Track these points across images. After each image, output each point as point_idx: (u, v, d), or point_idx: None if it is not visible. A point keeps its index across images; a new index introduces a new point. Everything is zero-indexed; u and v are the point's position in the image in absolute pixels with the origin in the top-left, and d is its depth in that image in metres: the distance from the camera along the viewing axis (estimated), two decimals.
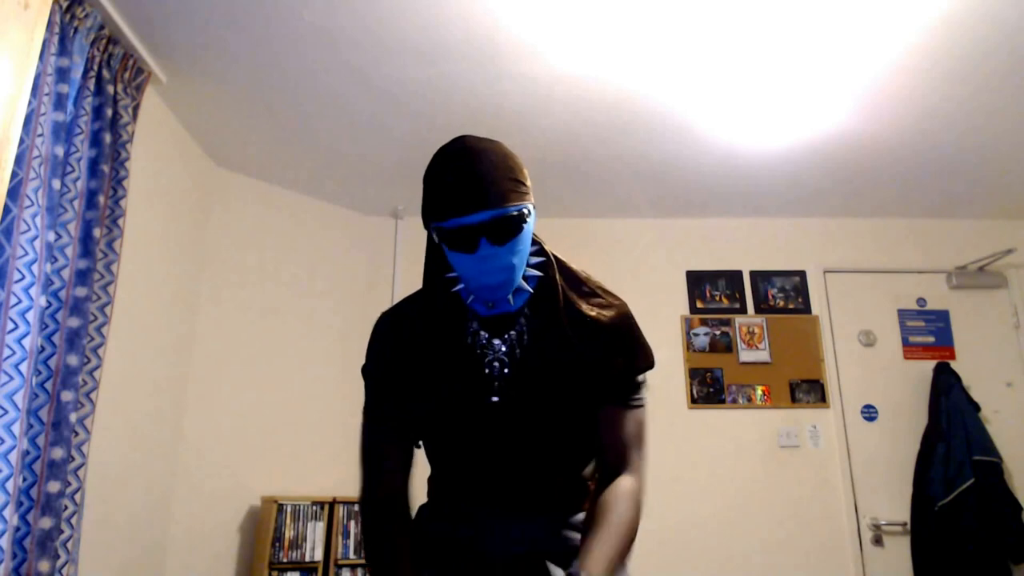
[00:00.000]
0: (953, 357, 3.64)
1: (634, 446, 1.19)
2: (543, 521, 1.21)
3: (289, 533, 2.98)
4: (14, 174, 1.81)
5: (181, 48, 2.53)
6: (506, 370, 1.19)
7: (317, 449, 3.39)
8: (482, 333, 1.21)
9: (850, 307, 3.77)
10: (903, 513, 3.40)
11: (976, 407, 3.42)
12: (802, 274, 3.84)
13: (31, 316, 1.85)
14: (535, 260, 1.22)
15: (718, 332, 3.73)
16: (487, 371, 1.19)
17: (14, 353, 1.81)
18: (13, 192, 1.82)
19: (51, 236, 2.02)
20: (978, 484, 3.22)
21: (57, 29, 2.01)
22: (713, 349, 3.70)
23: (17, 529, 1.91)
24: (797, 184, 3.52)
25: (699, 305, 3.79)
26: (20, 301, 1.83)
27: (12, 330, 1.81)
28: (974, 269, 3.77)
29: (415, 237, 3.83)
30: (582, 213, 3.85)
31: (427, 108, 2.87)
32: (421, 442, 1.29)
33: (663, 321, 3.72)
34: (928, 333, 3.71)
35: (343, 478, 3.20)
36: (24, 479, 1.95)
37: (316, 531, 3.03)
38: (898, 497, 3.42)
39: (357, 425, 1.27)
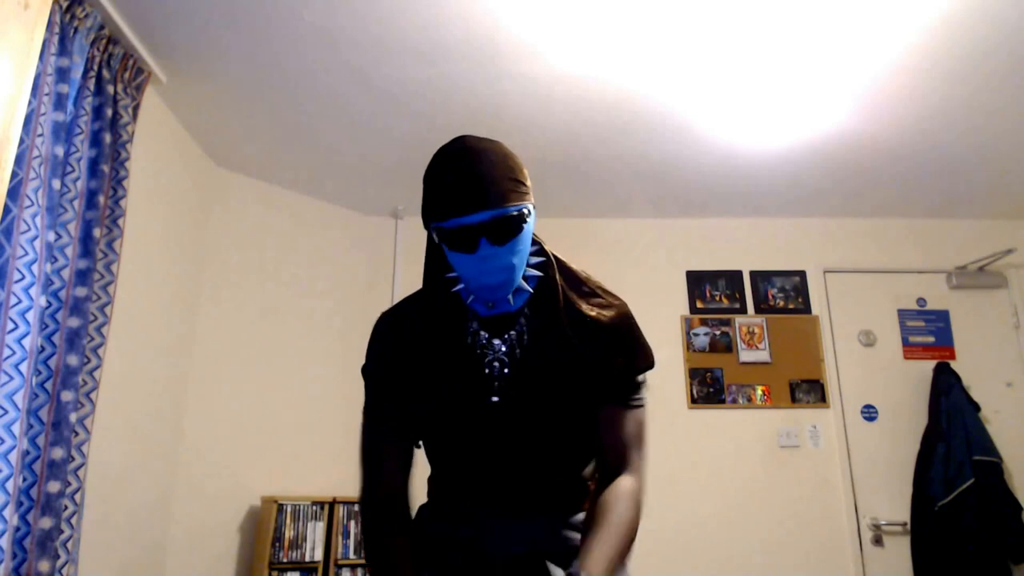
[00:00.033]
0: (953, 357, 3.64)
1: (634, 446, 1.19)
2: (543, 521, 1.21)
3: (289, 533, 2.98)
4: (14, 174, 1.81)
5: (181, 48, 2.53)
6: (506, 370, 1.19)
7: (317, 449, 3.39)
8: (482, 333, 1.21)
9: (850, 307, 3.77)
10: (903, 513, 3.40)
11: (976, 407, 3.42)
12: (802, 274, 3.84)
13: (31, 316, 1.85)
14: (535, 260, 1.22)
15: (718, 332, 3.73)
16: (487, 371, 1.19)
17: (14, 353, 1.81)
18: (13, 192, 1.82)
19: (51, 236, 2.02)
20: (978, 484, 3.22)
21: (57, 29, 2.01)
22: (713, 349, 3.70)
23: (17, 529, 1.91)
24: (797, 184, 3.52)
25: (699, 305, 3.79)
26: (20, 301, 1.83)
27: (12, 330, 1.81)
28: (974, 269, 3.77)
29: (415, 237, 3.83)
30: (582, 213, 3.85)
31: (427, 108, 2.87)
32: (421, 442, 1.29)
33: (663, 321, 3.72)
34: (928, 333, 3.71)
35: (343, 478, 3.20)
36: (24, 479, 1.95)
37: (316, 531, 3.03)
38: (898, 497, 3.42)
39: (357, 425, 1.27)
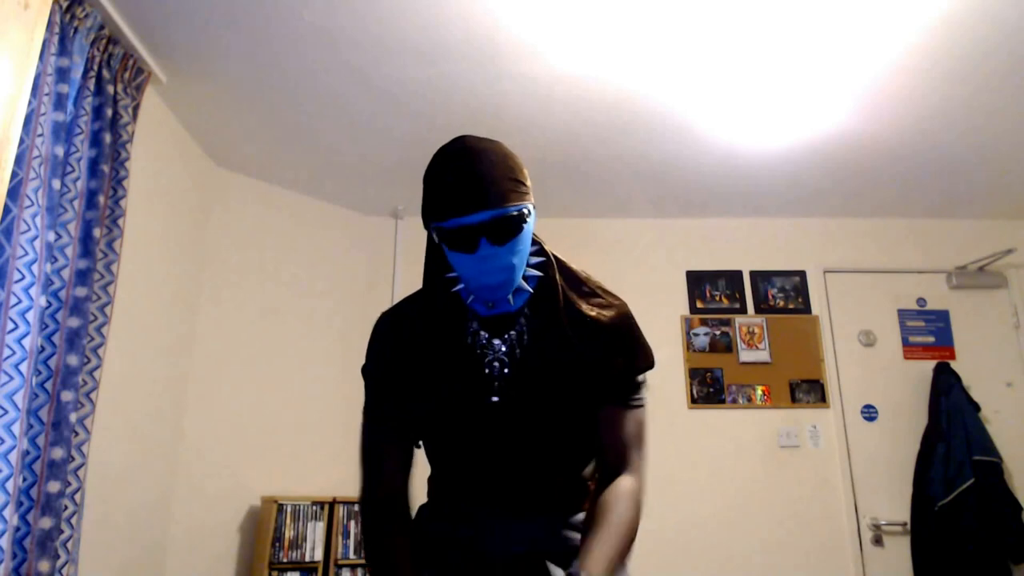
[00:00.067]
0: (953, 357, 3.64)
1: (634, 446, 1.19)
2: (543, 521, 1.21)
3: (289, 533, 2.98)
4: (14, 174, 1.81)
5: (181, 48, 2.53)
6: (506, 370, 1.19)
7: (317, 449, 3.39)
8: (482, 333, 1.21)
9: (850, 307, 3.77)
10: (903, 513, 3.40)
11: (976, 407, 3.42)
12: (802, 274, 3.84)
13: (31, 316, 1.85)
14: (535, 260, 1.22)
15: (718, 332, 3.73)
16: (487, 371, 1.19)
17: (14, 353, 1.81)
18: (13, 192, 1.82)
19: (51, 236, 2.02)
20: (978, 484, 3.22)
21: (57, 29, 2.01)
22: (713, 349, 3.70)
23: (17, 529, 1.91)
24: (797, 184, 3.52)
25: (699, 305, 3.79)
26: (20, 301, 1.83)
27: (12, 330, 1.81)
28: (974, 269, 3.77)
29: (415, 237, 3.83)
30: (582, 213, 3.85)
31: (427, 108, 2.87)
32: (421, 442, 1.29)
33: (663, 321, 3.72)
34: (928, 333, 3.71)
35: (343, 478, 3.20)
36: (24, 479, 1.95)
37: (316, 531, 3.03)
38: (898, 497, 3.42)
39: (357, 425, 1.27)
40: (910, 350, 3.68)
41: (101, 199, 2.27)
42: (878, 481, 3.49)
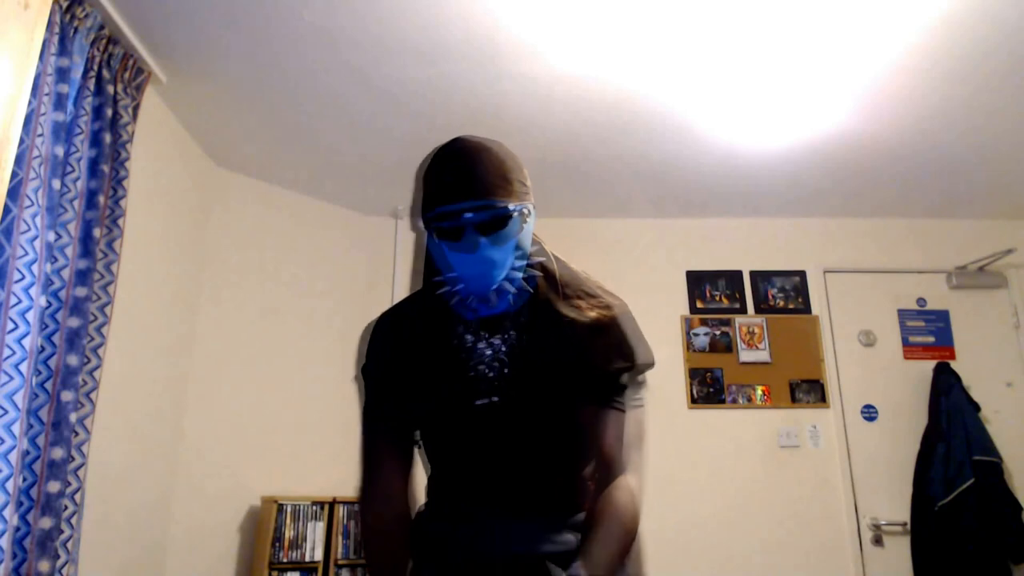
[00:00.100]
0: (953, 357, 3.64)
1: (633, 446, 1.19)
2: (543, 521, 1.21)
3: (289, 533, 2.98)
4: (14, 174, 1.81)
5: (181, 48, 2.53)
6: (504, 370, 1.19)
7: (317, 449, 3.39)
8: (468, 336, 1.21)
9: (850, 307, 3.77)
10: (903, 513, 3.40)
11: (976, 407, 3.42)
12: (802, 274, 3.84)
13: (31, 316, 1.85)
14: (534, 260, 1.22)
15: (718, 332, 3.73)
16: (473, 374, 1.19)
17: (14, 353, 1.81)
18: (13, 192, 1.82)
19: (51, 236, 2.02)
20: (978, 484, 3.22)
21: (57, 29, 2.01)
22: (713, 349, 3.70)
23: (17, 529, 1.91)
24: (797, 184, 3.52)
25: (699, 305, 3.79)
26: (20, 301, 1.83)
27: (12, 330, 1.81)
28: (974, 269, 3.77)
29: (415, 237, 3.83)
30: (582, 213, 3.85)
31: (427, 108, 2.87)
32: (420, 443, 1.29)
33: (663, 321, 3.72)
34: (928, 333, 3.71)
35: (343, 478, 3.20)
36: (24, 479, 1.95)
37: (316, 531, 3.03)
38: (898, 497, 3.42)
39: (357, 425, 1.27)
40: (910, 350, 3.68)
41: (101, 199, 2.27)
42: (878, 481, 3.49)
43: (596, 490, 1.17)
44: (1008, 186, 3.53)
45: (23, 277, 1.84)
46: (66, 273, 2.10)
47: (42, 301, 1.96)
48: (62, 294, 2.09)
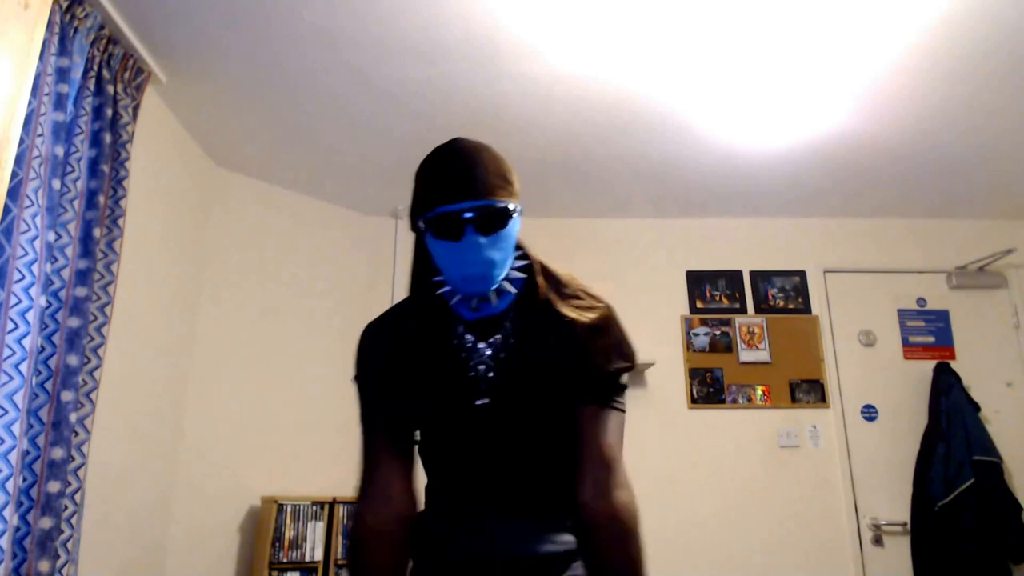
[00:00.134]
0: (953, 357, 3.64)
1: (616, 447, 1.19)
2: (543, 521, 1.21)
3: (289, 533, 2.98)
4: (14, 174, 1.81)
5: (181, 48, 2.53)
6: (492, 373, 1.19)
7: (317, 449, 3.38)
8: (468, 336, 1.22)
9: (850, 307, 3.77)
10: (903, 513, 3.40)
11: (976, 407, 3.42)
12: (802, 274, 3.84)
13: (31, 316, 1.85)
14: (519, 263, 1.23)
15: (718, 332, 3.73)
16: (473, 374, 1.20)
17: (14, 353, 1.81)
18: (13, 192, 1.82)
19: (51, 236, 2.02)
20: (978, 484, 3.22)
21: (57, 29, 2.01)
22: (713, 349, 3.70)
23: (17, 529, 1.91)
24: (797, 184, 3.52)
25: (699, 305, 3.79)
26: (20, 301, 1.83)
27: (12, 330, 1.81)
28: (974, 269, 3.77)
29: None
30: (582, 213, 3.85)
31: (427, 108, 2.87)
32: (417, 446, 1.30)
33: (663, 321, 3.71)
34: (928, 333, 3.71)
35: (343, 478, 3.19)
36: (24, 479, 1.95)
37: (316, 531, 3.03)
38: (898, 497, 3.42)
39: (357, 425, 1.27)
40: (910, 350, 3.68)
41: (101, 199, 2.27)
42: (878, 481, 3.49)
43: (596, 491, 1.17)
44: (1008, 186, 3.54)
45: (23, 277, 1.84)
46: (66, 273, 2.10)
47: (42, 301, 1.96)
48: (62, 294, 2.09)
